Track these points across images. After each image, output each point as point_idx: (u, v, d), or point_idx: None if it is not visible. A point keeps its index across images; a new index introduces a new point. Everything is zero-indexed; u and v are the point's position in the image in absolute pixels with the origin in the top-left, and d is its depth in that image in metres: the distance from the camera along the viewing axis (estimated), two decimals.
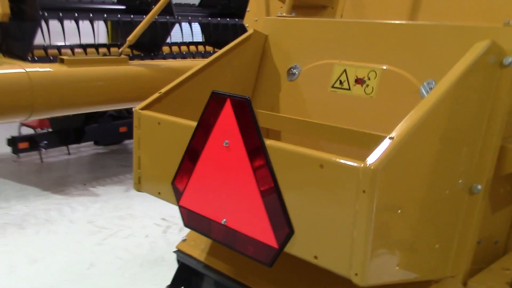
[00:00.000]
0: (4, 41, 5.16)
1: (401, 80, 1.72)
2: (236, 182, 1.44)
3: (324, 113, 1.90)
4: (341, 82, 1.86)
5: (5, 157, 7.06)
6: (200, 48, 7.14)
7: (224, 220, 1.49)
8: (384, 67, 1.77)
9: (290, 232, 1.34)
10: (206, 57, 7.01)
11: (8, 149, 6.56)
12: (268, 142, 1.36)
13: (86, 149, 7.72)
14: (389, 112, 1.74)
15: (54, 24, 5.35)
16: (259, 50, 2.09)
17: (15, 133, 6.60)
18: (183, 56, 6.47)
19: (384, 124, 1.75)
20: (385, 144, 1.20)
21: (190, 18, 6.46)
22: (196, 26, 6.92)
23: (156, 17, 5.73)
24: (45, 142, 6.28)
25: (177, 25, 6.28)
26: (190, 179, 1.58)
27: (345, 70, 1.86)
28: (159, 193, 1.73)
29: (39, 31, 5.01)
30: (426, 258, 1.45)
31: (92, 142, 7.34)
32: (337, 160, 1.22)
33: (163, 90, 1.81)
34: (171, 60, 3.05)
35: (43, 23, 5.08)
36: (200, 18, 6.62)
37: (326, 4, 2.35)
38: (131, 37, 3.35)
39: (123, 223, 5.30)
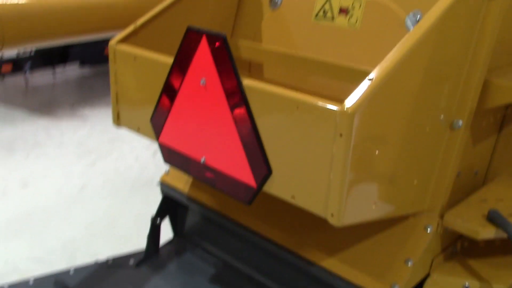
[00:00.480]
0: None
1: (386, 10, 1.65)
2: (214, 121, 1.42)
3: (307, 45, 1.84)
4: (324, 12, 1.79)
5: None
6: None
7: (203, 158, 1.49)
8: None
9: (268, 172, 1.33)
10: None
11: None
12: (246, 82, 1.32)
13: (72, 71, 7.57)
14: (373, 44, 1.69)
15: None
16: None
17: None
18: None
19: (368, 57, 1.71)
20: (363, 85, 1.16)
21: None
22: None
23: None
24: (29, 64, 6.14)
25: None
26: (169, 117, 1.55)
27: None
28: (138, 128, 1.71)
29: None
30: (404, 194, 1.46)
31: (77, 65, 7.19)
32: (314, 102, 1.19)
33: (139, 22, 1.73)
34: None
35: None
36: None
37: None
38: None
39: (112, 145, 5.31)
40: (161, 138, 1.61)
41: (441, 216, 1.57)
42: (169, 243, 2.15)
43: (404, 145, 1.36)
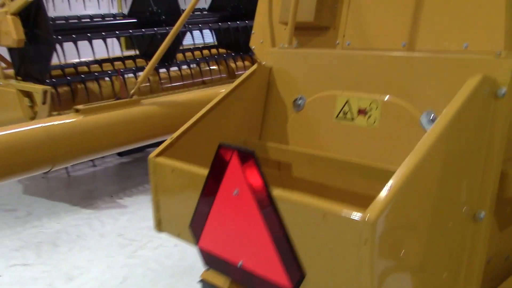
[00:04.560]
0: (22, 66, 5.34)
1: (401, 110, 1.78)
2: (248, 228, 1.53)
3: (330, 143, 1.97)
4: (344, 113, 1.93)
5: (34, 175, 7.29)
6: (214, 51, 7.21)
7: (241, 262, 1.59)
8: (385, 98, 1.83)
9: (302, 275, 1.42)
10: (219, 61, 7.00)
11: None
12: (275, 192, 1.44)
13: (111, 159, 7.90)
14: (391, 141, 1.80)
15: (69, 44, 5.49)
16: (265, 83, 2.16)
17: None
18: (197, 62, 6.56)
19: (388, 154, 1.82)
20: (384, 192, 1.27)
21: (200, 25, 6.53)
22: (207, 32, 7.00)
23: (167, 28, 5.83)
24: None
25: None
26: (206, 223, 1.67)
27: (347, 101, 1.93)
28: (179, 234, 1.83)
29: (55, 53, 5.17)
30: (435, 287, 1.52)
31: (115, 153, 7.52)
32: (338, 211, 1.29)
33: (175, 135, 1.90)
34: (184, 93, 3.14)
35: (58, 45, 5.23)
36: (210, 25, 6.69)
37: (327, 25, 2.40)
38: (141, 78, 3.43)
39: (152, 233, 5.42)
40: (200, 243, 1.72)
41: None
42: None
43: (429, 243, 1.43)
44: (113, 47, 6.74)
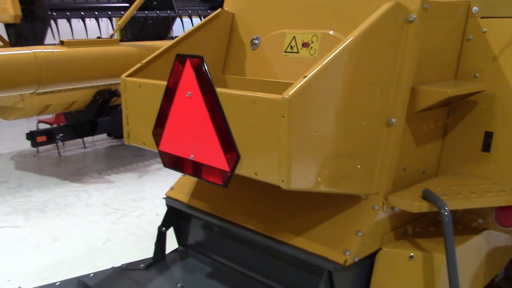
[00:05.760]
0: (18, 41, 5.64)
1: (336, 41, 2.08)
2: (197, 124, 1.83)
3: (280, 73, 2.28)
4: (291, 47, 2.24)
5: (25, 153, 7.57)
6: None
7: (192, 156, 1.88)
8: (323, 32, 2.14)
9: (238, 157, 1.72)
10: None
11: (28, 146, 7.07)
12: (218, 89, 1.74)
13: (101, 142, 8.19)
14: None
15: (63, 24, 5.80)
16: (228, 27, 2.47)
17: (33, 129, 7.08)
18: None
19: None
20: (300, 81, 1.57)
21: (190, 12, 6.86)
22: (197, 20, 7.32)
23: (158, 12, 6.16)
24: (61, 135, 6.73)
25: (178, 20, 6.69)
26: (165, 128, 1.97)
27: (294, 37, 2.24)
28: (143, 143, 2.12)
29: (49, 30, 5.47)
30: (348, 175, 1.81)
31: (105, 136, 7.81)
32: (264, 96, 1.60)
33: (144, 61, 2.20)
34: (162, 40, 3.60)
35: (53, 23, 5.54)
36: (199, 12, 7.02)
37: None
38: (121, 22, 3.83)
39: (135, 204, 5.72)
40: (161, 146, 2.02)
41: (386, 199, 1.91)
42: (174, 250, 2.50)
43: (341, 132, 1.73)
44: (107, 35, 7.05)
